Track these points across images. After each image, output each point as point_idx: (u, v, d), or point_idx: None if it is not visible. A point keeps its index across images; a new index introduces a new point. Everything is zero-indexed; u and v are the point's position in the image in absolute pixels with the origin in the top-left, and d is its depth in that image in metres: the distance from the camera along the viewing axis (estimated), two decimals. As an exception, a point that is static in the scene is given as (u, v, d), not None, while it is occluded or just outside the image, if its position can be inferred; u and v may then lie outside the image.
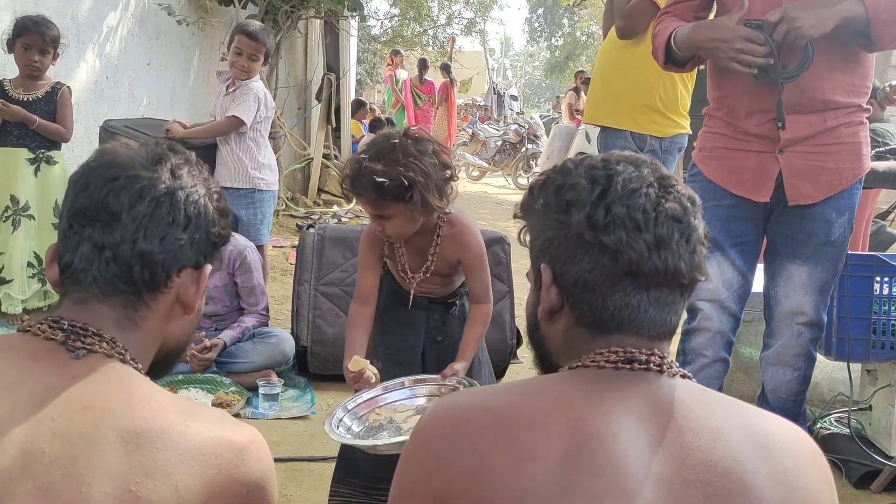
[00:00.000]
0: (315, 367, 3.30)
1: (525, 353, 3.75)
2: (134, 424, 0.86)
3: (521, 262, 4.90)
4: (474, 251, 2.14)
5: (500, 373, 3.42)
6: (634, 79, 3.09)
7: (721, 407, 0.92)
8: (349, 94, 9.85)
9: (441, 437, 0.90)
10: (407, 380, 2.03)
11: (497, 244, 3.51)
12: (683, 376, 0.95)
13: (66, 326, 0.93)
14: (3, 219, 3.48)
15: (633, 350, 0.94)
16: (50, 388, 0.88)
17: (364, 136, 9.87)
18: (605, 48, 3.28)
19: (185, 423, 0.88)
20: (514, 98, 19.40)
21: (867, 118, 2.28)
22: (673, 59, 2.30)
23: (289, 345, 3.29)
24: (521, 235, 1.08)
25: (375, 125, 9.93)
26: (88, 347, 0.92)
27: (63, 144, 3.70)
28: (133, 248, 0.94)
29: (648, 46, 2.94)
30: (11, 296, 3.47)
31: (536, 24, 36.11)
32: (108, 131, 3.73)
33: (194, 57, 5.82)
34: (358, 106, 10.93)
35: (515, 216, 1.11)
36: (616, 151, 1.05)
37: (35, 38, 3.48)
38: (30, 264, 3.52)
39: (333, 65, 8.18)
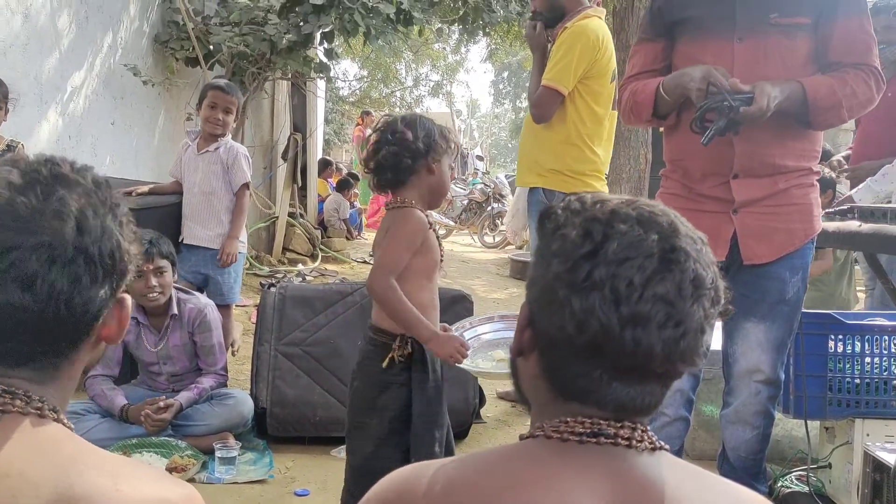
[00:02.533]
0: (274, 430, 3.24)
1: (489, 412, 3.72)
2: (58, 491, 0.79)
3: (485, 320, 4.89)
4: None
5: (462, 433, 3.38)
6: (546, 148, 3.42)
7: (690, 482, 0.87)
8: (316, 153, 9.92)
9: None
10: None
11: (459, 303, 3.51)
12: (654, 448, 0.88)
13: None
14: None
15: (601, 423, 0.87)
16: None
17: (330, 195, 9.91)
18: (525, 120, 3.62)
19: (115, 485, 0.83)
20: (479, 158, 19.67)
21: (818, 181, 2.35)
22: (657, 112, 2.36)
23: (247, 406, 3.23)
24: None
25: (343, 185, 10.00)
26: (0, 408, 0.84)
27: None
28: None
29: (558, 121, 3.34)
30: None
31: (501, 87, 36.89)
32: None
33: (160, 117, 5.83)
34: (325, 165, 11.01)
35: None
36: (638, 200, 0.94)
37: None
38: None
39: (300, 125, 8.25)
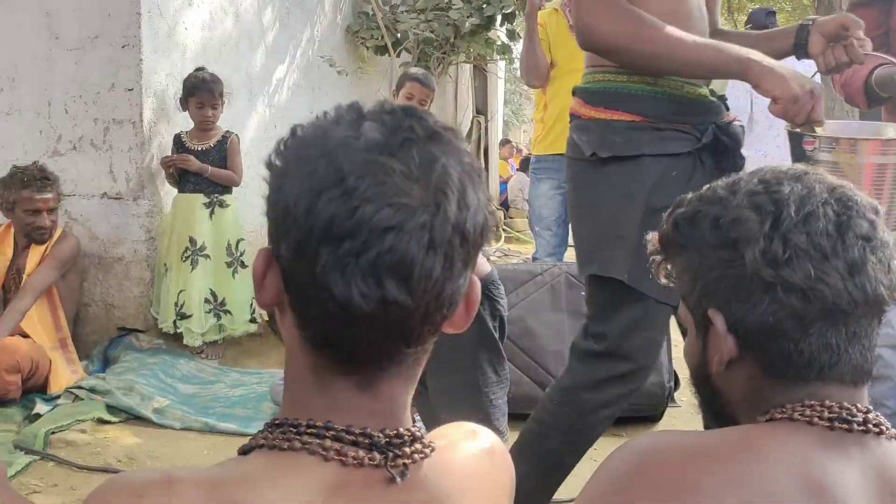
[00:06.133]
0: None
1: (683, 396, 3.62)
2: None
3: (675, 301, 4.74)
4: None
5: (657, 416, 3.32)
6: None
7: None
8: (497, 135, 10.02)
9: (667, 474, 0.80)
10: None
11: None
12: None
13: None
14: (183, 259, 3.76)
15: (849, 406, 0.82)
16: None
17: (512, 175, 9.98)
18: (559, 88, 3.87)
19: None
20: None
21: None
22: (872, 104, 2.25)
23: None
24: (660, 273, 0.94)
25: (526, 164, 10.05)
26: None
27: (234, 189, 3.98)
28: None
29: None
30: (192, 330, 3.72)
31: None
32: (277, 176, 3.98)
33: (352, 104, 6.12)
34: (502, 145, 11.10)
35: (652, 254, 0.97)
36: (766, 166, 0.91)
37: (206, 96, 3.77)
38: (206, 300, 3.77)
39: (482, 107, 8.37)
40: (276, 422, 0.70)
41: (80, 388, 3.16)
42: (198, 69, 3.82)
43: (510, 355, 3.31)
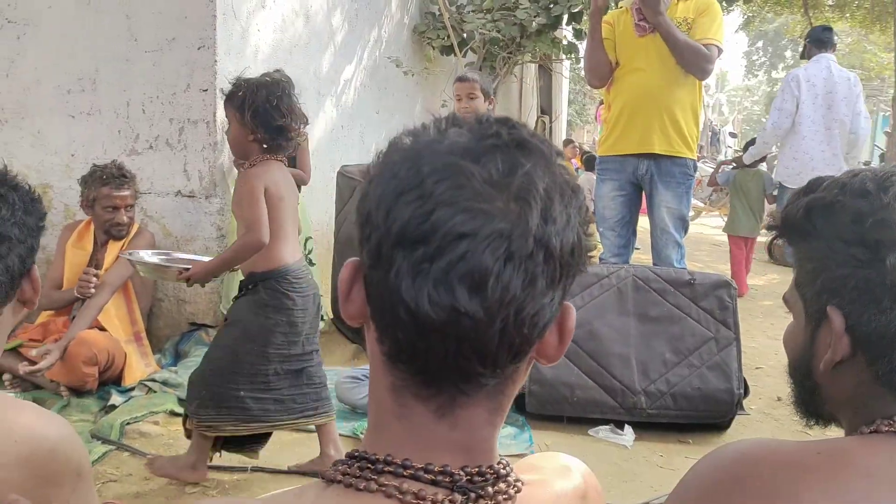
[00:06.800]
0: (533, 407, 3.31)
1: (752, 404, 3.53)
2: None
3: (742, 307, 4.62)
4: None
5: (725, 424, 3.25)
6: (688, 113, 3.80)
7: None
8: (561, 135, 9.95)
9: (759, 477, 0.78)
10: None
11: (722, 288, 3.36)
12: None
13: None
14: (253, 256, 3.82)
15: None
16: None
17: (579, 176, 9.90)
18: (656, 84, 3.77)
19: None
20: (732, 135, 18.64)
21: None
22: None
23: (507, 383, 3.33)
24: (773, 248, 0.94)
25: (590, 163, 9.95)
26: None
27: (302, 187, 4.04)
28: None
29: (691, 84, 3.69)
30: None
31: (755, 57, 34.61)
32: (345, 176, 4.03)
33: (417, 104, 6.15)
34: (565, 145, 11.04)
35: (771, 228, 0.92)
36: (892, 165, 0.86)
37: None
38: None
39: (546, 107, 8.33)
40: (356, 454, 0.67)
41: (153, 380, 3.26)
42: (275, 71, 3.89)
43: (575, 359, 3.30)
